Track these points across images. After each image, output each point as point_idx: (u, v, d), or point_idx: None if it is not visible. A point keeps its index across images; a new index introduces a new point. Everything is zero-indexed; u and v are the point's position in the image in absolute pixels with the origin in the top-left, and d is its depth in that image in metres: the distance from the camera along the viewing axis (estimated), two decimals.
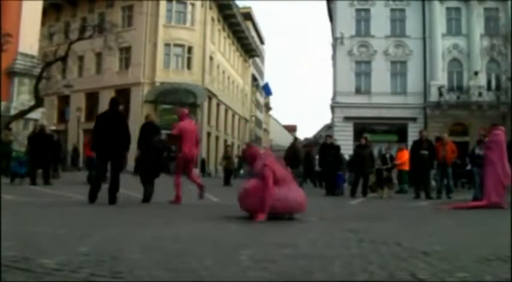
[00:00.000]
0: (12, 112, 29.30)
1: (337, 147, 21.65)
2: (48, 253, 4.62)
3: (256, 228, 7.82)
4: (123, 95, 48.55)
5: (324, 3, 51.51)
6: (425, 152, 18.48)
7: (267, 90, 77.75)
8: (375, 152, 22.91)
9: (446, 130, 34.63)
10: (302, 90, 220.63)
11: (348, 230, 7.40)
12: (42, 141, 20.72)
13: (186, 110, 13.59)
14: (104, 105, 48.99)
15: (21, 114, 28.58)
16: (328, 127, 59.68)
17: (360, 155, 20.02)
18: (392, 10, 44.32)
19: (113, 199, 11.68)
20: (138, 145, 13.42)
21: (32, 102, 29.60)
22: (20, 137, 26.87)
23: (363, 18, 44.94)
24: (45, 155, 20.35)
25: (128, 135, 12.38)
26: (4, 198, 10.94)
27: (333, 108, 44.30)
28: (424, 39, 43.07)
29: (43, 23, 38.07)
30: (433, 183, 20.43)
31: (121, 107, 15.10)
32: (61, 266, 4.07)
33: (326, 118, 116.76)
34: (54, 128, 32.73)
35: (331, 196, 19.35)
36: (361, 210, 13.05)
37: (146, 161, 13.31)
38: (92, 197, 11.79)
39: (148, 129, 13.96)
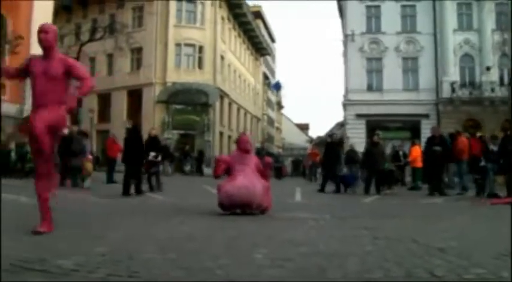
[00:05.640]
0: (25, 115, 29.40)
1: (338, 145, 21.60)
2: (64, 254, 4.64)
3: (270, 226, 7.83)
4: (134, 95, 48.79)
5: (334, 1, 51.46)
6: (438, 148, 18.39)
7: (275, 85, 78.00)
8: (388, 149, 22.81)
9: (460, 126, 34.46)
10: (314, 88, 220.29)
11: (363, 228, 7.40)
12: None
13: None
14: (116, 106, 49.49)
15: None
16: (341, 125, 59.56)
17: (372, 152, 19.91)
18: (403, 6, 44.06)
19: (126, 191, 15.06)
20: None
21: None
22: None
23: (373, 15, 44.71)
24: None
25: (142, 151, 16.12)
26: (20, 199, 11.01)
27: (345, 105, 44.13)
28: (435, 35, 42.81)
29: (54, 25, 38.20)
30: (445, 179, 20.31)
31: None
32: (78, 266, 4.09)
33: (338, 116, 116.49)
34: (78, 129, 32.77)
35: (343, 193, 19.31)
36: (375, 208, 13.01)
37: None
38: (126, 192, 15.01)
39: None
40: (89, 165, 19.92)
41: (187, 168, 40.39)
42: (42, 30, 6.32)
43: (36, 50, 23.54)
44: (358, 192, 19.23)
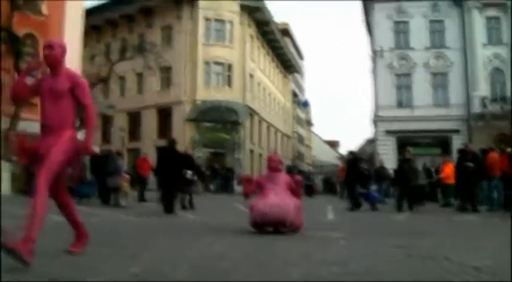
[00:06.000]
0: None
1: (359, 162, 21.41)
2: (98, 273, 4.67)
3: (302, 245, 7.80)
4: (164, 114, 49.06)
5: (362, 17, 51.37)
6: (471, 164, 18.22)
7: (303, 104, 78.65)
8: (419, 165, 22.60)
9: (491, 141, 34.08)
10: (343, 105, 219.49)
11: (395, 246, 7.35)
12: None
13: None
14: (146, 125, 49.81)
15: None
16: (371, 141, 59.28)
17: (404, 168, 19.77)
18: (431, 21, 43.91)
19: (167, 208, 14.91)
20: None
21: (76, 124, 29.93)
22: None
23: (401, 31, 44.61)
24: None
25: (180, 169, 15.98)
26: (55, 218, 11.08)
27: (374, 122, 44.01)
28: (464, 49, 42.54)
29: (84, 45, 38.64)
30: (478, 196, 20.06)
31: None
32: None
33: (368, 132, 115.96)
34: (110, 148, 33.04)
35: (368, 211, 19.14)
36: (408, 225, 12.90)
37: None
38: (168, 210, 14.91)
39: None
40: (126, 185, 20.08)
41: (213, 186, 40.34)
42: (47, 46, 5.84)
43: None
44: (390, 209, 19.10)
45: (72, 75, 5.87)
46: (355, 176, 20.17)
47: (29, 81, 5.95)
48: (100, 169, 19.66)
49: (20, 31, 28.15)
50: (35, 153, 5.66)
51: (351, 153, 23.62)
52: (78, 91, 5.79)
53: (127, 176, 20.93)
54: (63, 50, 5.92)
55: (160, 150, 17.78)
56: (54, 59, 5.80)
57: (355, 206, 19.14)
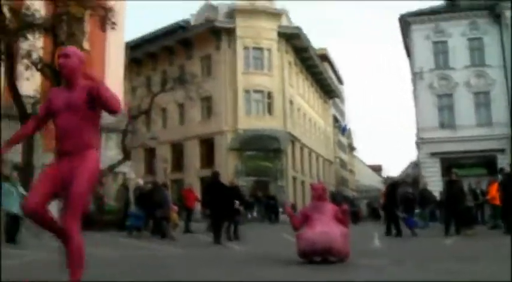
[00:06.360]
0: (101, 167, 30.03)
1: (397, 186, 21.18)
2: None
3: (350, 273, 7.76)
4: (207, 144, 49.39)
5: (400, 39, 51.24)
6: None
7: (343, 129, 79.08)
8: (465, 187, 22.28)
9: None
10: (385, 128, 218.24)
11: (446, 271, 7.27)
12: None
13: None
14: (189, 155, 50.18)
15: (110, 168, 29.26)
16: (415, 164, 58.77)
17: (451, 191, 19.52)
18: (469, 40, 43.61)
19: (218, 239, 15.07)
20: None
21: (120, 156, 30.35)
22: (111, 190, 27.43)
23: (440, 51, 44.32)
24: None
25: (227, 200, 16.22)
26: (108, 254, 11.20)
27: (417, 144, 43.67)
28: (505, 67, 42.02)
29: (126, 78, 39.16)
30: None
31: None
32: None
33: (412, 155, 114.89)
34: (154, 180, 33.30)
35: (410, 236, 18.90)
36: (457, 250, 12.73)
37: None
38: (216, 241, 14.95)
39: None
40: (174, 216, 20.27)
41: (257, 215, 40.19)
42: (62, 55, 5.17)
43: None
44: (437, 233, 18.86)
45: (87, 85, 5.06)
46: (394, 201, 20.01)
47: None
48: (147, 201, 19.82)
49: None
50: (54, 180, 4.90)
51: (389, 178, 23.52)
52: (101, 96, 4.91)
53: (175, 207, 21.12)
54: (81, 60, 5.27)
55: (206, 182, 18.09)
56: (70, 68, 5.12)
57: (397, 232, 18.98)
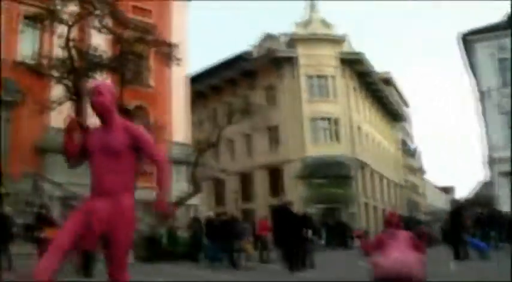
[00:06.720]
0: (172, 199, 30.32)
1: (462, 210, 20.79)
2: None
3: None
4: (275, 173, 49.40)
5: (465, 58, 50.32)
6: None
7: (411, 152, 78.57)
8: None
9: None
10: (454, 149, 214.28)
11: None
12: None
13: None
14: (258, 185, 50.29)
15: (181, 201, 29.50)
16: (486, 184, 57.51)
17: None
18: None
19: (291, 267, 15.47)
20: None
21: (190, 189, 30.62)
22: (182, 223, 27.57)
23: (506, 68, 43.33)
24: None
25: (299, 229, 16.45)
26: None
27: (489, 164, 42.73)
28: None
29: (192, 112, 39.62)
30: None
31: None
32: None
33: (482, 175, 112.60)
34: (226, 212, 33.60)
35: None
36: None
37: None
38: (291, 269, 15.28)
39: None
40: (250, 247, 20.49)
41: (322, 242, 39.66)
42: (95, 92, 4.83)
43: (178, 138, 24.69)
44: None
45: (129, 127, 4.83)
46: (459, 224, 19.64)
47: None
48: (219, 233, 19.95)
49: (130, 104, 29.14)
50: (82, 223, 4.51)
51: (455, 201, 23.15)
52: (144, 146, 4.77)
53: (250, 238, 21.34)
54: (113, 96, 4.94)
55: (277, 212, 18.12)
56: (103, 106, 4.79)
57: (464, 255, 18.58)
